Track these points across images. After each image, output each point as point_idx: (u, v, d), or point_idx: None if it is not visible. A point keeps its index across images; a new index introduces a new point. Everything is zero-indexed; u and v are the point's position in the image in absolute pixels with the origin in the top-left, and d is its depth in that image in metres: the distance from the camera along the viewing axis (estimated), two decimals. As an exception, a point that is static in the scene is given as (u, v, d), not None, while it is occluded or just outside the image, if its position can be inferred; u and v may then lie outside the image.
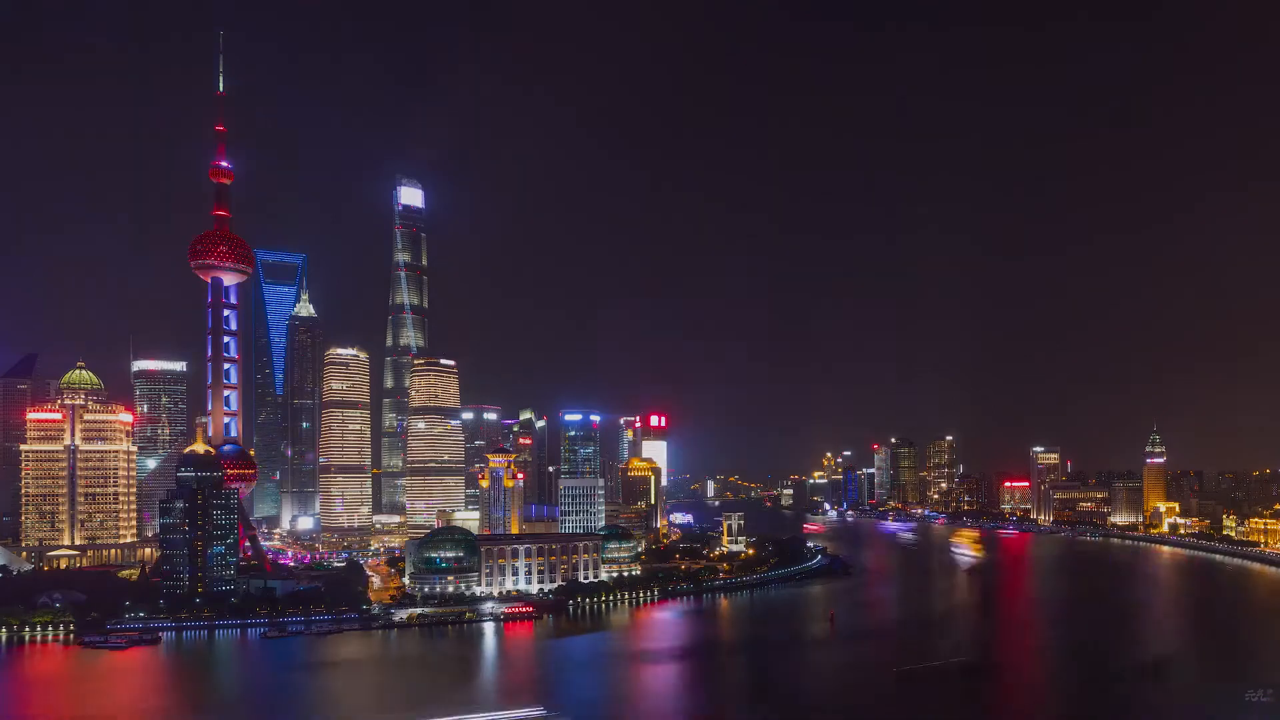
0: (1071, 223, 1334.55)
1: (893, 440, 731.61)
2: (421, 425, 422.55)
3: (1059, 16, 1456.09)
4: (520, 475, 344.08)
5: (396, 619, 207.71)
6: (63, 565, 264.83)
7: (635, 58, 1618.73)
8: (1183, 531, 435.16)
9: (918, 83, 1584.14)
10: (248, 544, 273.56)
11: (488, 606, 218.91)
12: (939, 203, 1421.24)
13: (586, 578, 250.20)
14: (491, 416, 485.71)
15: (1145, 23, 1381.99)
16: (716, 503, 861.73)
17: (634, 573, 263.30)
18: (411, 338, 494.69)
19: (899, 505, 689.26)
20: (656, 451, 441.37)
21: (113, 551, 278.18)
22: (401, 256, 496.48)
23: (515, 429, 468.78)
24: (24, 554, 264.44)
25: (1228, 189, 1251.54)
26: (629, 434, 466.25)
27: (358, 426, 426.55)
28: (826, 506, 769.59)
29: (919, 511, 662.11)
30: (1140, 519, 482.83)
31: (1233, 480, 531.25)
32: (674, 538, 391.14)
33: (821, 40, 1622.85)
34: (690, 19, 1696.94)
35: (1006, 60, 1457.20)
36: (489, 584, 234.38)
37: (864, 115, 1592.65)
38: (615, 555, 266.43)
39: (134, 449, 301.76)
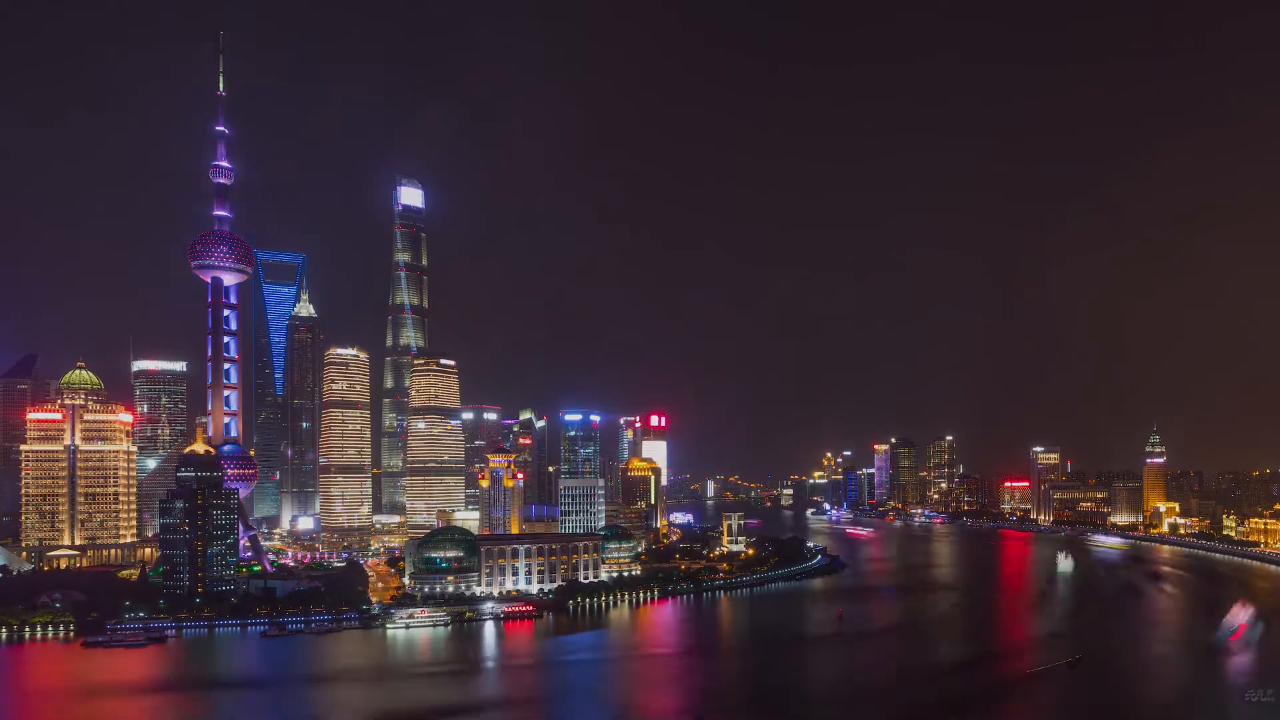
0: (1072, 223, 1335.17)
1: (893, 440, 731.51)
2: (421, 425, 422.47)
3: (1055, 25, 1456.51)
4: (520, 475, 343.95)
5: (397, 619, 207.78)
6: (63, 565, 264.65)
7: (638, 57, 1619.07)
8: (1183, 531, 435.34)
9: (921, 80, 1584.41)
10: (248, 544, 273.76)
11: (488, 606, 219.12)
12: (940, 203, 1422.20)
13: (586, 578, 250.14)
14: (491, 416, 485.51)
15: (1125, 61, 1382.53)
16: (714, 502, 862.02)
17: (634, 573, 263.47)
18: (411, 338, 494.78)
19: (899, 505, 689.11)
20: (656, 451, 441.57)
21: (113, 551, 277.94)
22: (401, 256, 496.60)
23: (515, 429, 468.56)
24: (24, 554, 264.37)
25: (1226, 196, 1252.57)
26: (629, 434, 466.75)
27: (358, 426, 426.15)
28: (826, 506, 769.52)
29: (918, 511, 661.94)
30: (1140, 519, 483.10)
31: (1233, 480, 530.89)
32: (674, 538, 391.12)
33: (827, 38, 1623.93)
34: (699, 19, 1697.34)
35: (1013, 60, 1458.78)
36: (489, 584, 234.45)
37: (864, 113, 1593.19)
38: (615, 555, 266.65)
39: (134, 449, 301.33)
